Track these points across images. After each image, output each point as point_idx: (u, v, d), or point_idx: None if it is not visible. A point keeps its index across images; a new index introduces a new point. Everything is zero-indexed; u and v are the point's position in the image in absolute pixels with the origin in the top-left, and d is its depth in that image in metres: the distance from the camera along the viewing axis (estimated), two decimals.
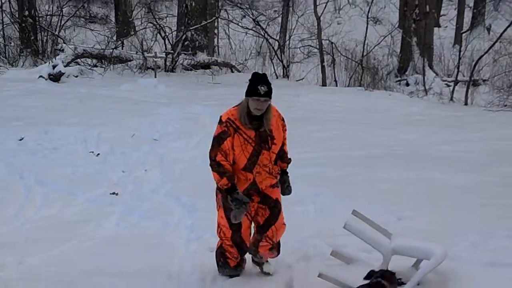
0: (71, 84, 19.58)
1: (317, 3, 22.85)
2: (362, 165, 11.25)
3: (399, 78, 23.48)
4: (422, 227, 7.84)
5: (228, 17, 27.27)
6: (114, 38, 25.56)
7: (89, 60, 22.80)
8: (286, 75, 23.32)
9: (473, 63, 21.17)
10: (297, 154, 11.63)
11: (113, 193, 9.77)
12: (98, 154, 11.92)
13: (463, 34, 24.80)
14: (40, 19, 24.87)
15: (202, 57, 24.04)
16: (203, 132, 13.16)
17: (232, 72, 23.98)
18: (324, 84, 21.87)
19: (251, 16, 25.91)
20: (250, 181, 6.35)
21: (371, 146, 12.83)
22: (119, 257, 7.34)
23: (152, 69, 21.86)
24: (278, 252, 6.78)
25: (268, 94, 6.14)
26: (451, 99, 20.11)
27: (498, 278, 6.24)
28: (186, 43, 23.78)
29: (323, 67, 22.07)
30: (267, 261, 6.81)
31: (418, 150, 12.59)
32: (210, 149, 6.28)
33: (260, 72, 6.45)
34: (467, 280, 6.23)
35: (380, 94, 19.90)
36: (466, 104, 19.58)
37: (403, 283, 6.26)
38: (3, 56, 23.68)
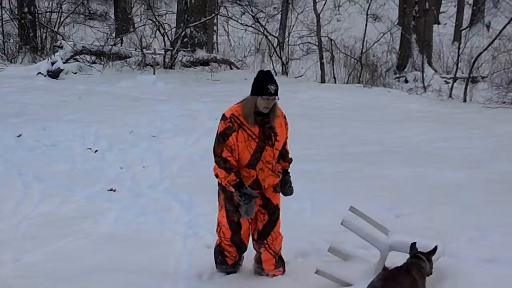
0: (69, 80, 19.58)
1: (317, 0, 22.82)
2: (360, 162, 11.25)
3: (398, 75, 23.49)
4: (419, 224, 7.84)
5: (228, 14, 27.27)
6: (113, 35, 25.53)
7: (88, 57, 22.76)
8: (285, 72, 23.30)
9: (472, 60, 21.15)
10: (295, 151, 11.65)
11: (111, 190, 9.77)
12: (96, 150, 11.91)
13: (463, 31, 24.81)
14: (39, 15, 24.87)
15: (201, 54, 24.01)
16: (202, 129, 13.16)
17: (231, 69, 23.95)
18: (323, 81, 21.87)
19: (250, 13, 25.84)
20: (253, 178, 6.36)
21: (369, 142, 12.83)
22: (116, 253, 7.35)
23: (151, 66, 21.85)
24: (284, 269, 6.77)
25: (277, 92, 6.19)
26: (450, 96, 20.11)
27: (495, 275, 6.24)
28: (185, 40, 23.76)
29: (322, 64, 22.07)
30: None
31: (417, 147, 12.58)
32: (215, 146, 6.29)
33: (265, 70, 6.47)
34: (465, 276, 6.23)
35: (379, 91, 19.88)
36: (465, 101, 19.58)
37: None
38: (2, 53, 23.66)
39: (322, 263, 6.65)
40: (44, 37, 24.42)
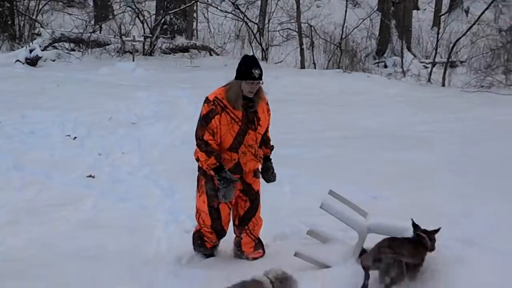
0: (48, 68, 19.45)
1: None
2: (339, 147, 11.30)
3: (377, 60, 23.51)
4: (397, 207, 7.90)
5: (207, 1, 27.09)
6: (92, 22, 25.29)
7: (66, 44, 22.57)
8: (265, 58, 23.25)
9: (451, 45, 21.23)
10: (275, 136, 11.66)
11: (90, 176, 9.74)
12: (75, 137, 11.87)
13: (442, 17, 24.87)
14: (18, 3, 24.64)
15: (180, 40, 23.91)
16: (182, 115, 13.16)
17: (211, 55, 23.86)
18: (302, 66, 21.86)
19: None
20: (235, 161, 6.38)
21: (349, 127, 12.88)
22: (96, 239, 7.35)
23: (130, 53, 21.76)
24: (263, 251, 6.82)
25: (261, 76, 6.24)
26: (429, 80, 20.18)
27: (474, 257, 6.28)
28: (164, 26, 23.63)
29: (302, 50, 22.05)
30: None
31: (396, 131, 12.65)
32: (197, 128, 6.32)
33: (250, 55, 6.48)
34: (443, 258, 6.28)
35: (358, 76, 19.91)
36: (443, 85, 19.66)
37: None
38: None
39: (301, 246, 6.69)
40: (22, 25, 24.23)
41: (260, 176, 6.70)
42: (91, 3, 28.24)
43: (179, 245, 6.94)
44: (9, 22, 23.75)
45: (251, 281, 5.26)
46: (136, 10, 24.12)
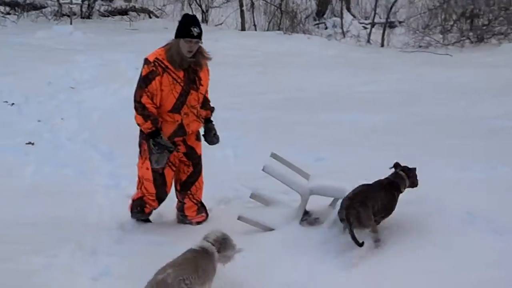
0: None
1: None
2: (281, 109, 11.33)
3: (317, 22, 23.59)
4: (339, 168, 7.96)
5: None
6: None
7: (1, 8, 22.09)
8: (205, 20, 23.09)
9: (390, 5, 21.42)
10: (216, 99, 11.63)
11: (29, 143, 9.58)
12: (13, 103, 11.63)
13: None
14: None
15: (119, 3, 23.63)
16: (121, 79, 13.01)
17: (150, 18, 23.60)
18: (243, 28, 21.79)
19: None
20: (178, 122, 6.32)
21: (290, 89, 12.92)
22: (37, 206, 7.24)
23: (68, 16, 21.37)
24: (207, 214, 6.81)
25: (200, 35, 6.15)
26: (368, 41, 20.36)
27: (410, 213, 6.38)
28: None
29: (242, 12, 21.95)
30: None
31: (336, 92, 12.73)
32: (136, 91, 6.21)
33: (190, 14, 6.39)
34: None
35: (299, 37, 19.94)
36: (382, 46, 19.86)
37: (321, 222, 6.40)
38: None
39: (245, 209, 6.72)
40: None
41: (202, 139, 6.66)
42: None
43: (121, 211, 6.87)
44: None
45: (197, 249, 5.25)
46: None
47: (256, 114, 10.96)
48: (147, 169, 6.42)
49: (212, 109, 6.70)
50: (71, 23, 20.50)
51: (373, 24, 21.32)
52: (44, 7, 22.34)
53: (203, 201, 6.78)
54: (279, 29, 21.72)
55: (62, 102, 11.79)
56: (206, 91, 6.61)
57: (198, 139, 6.61)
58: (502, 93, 12.02)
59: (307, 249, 5.85)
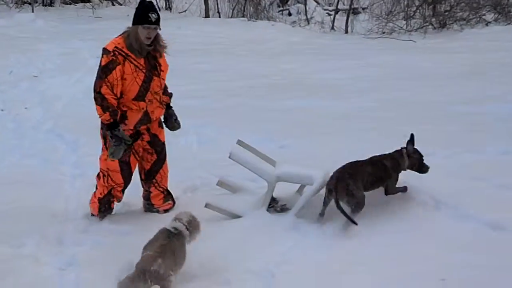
0: None
1: None
2: (245, 96, 11.33)
3: (281, 8, 23.60)
4: (304, 154, 8.00)
5: None
6: None
7: None
8: (168, 7, 22.99)
9: None
10: (180, 87, 11.60)
11: None
12: None
13: None
14: None
15: None
16: (85, 67, 12.91)
17: (113, 5, 23.42)
18: (207, 15, 21.72)
19: None
20: (143, 110, 6.28)
21: (254, 76, 12.92)
22: (2, 196, 7.20)
23: (29, 3, 21.15)
24: (173, 202, 6.79)
25: (159, 21, 6.11)
26: (332, 28, 20.41)
27: (372, 198, 6.44)
28: None
29: None
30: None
31: (300, 79, 12.76)
32: (95, 81, 6.13)
33: (147, 0, 6.33)
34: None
35: (263, 24, 19.96)
36: (346, 32, 19.92)
37: (287, 209, 6.44)
38: None
39: (212, 197, 6.71)
40: None
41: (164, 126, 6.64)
42: None
43: (87, 200, 6.83)
44: None
45: (172, 230, 5.29)
46: None
47: (220, 102, 10.95)
48: (113, 161, 6.37)
49: (170, 95, 6.66)
50: (32, 11, 20.32)
51: (336, 11, 21.40)
52: None
53: (169, 189, 6.78)
54: (243, 16, 21.70)
55: (26, 91, 11.69)
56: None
57: (160, 126, 6.59)
58: (465, 78, 12.16)
59: (274, 236, 5.89)
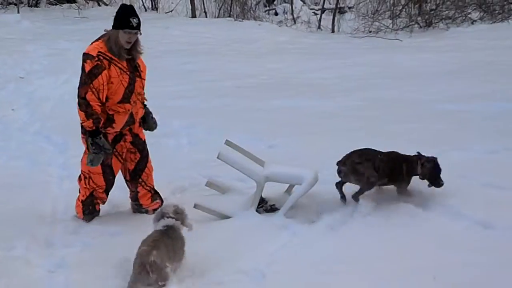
0: None
1: None
2: (233, 96, 11.34)
3: (268, 8, 23.61)
4: (293, 154, 8.02)
5: None
6: None
7: None
8: (155, 8, 22.97)
9: None
10: (167, 87, 11.66)
11: None
12: None
13: None
14: None
15: None
16: (72, 68, 12.85)
17: (99, 5, 23.40)
18: (193, 15, 21.71)
19: None
20: (129, 111, 6.27)
21: (241, 76, 12.93)
22: None
23: (15, 4, 21.08)
24: (162, 200, 6.77)
25: (139, 26, 6.09)
26: (319, 27, 20.45)
27: (362, 197, 6.48)
28: None
29: None
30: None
31: (287, 78, 12.78)
32: (80, 87, 6.07)
33: (128, 4, 6.32)
34: (336, 200, 6.46)
35: (249, 24, 19.98)
36: (333, 31, 19.96)
37: (277, 209, 6.45)
38: None
39: (201, 198, 6.71)
40: None
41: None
42: None
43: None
44: None
45: (167, 227, 5.35)
46: None
47: (208, 102, 10.94)
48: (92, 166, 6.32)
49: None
50: (18, 12, 20.24)
51: (323, 10, 21.45)
52: None
53: (156, 188, 6.77)
54: (229, 16, 21.71)
55: (12, 93, 11.65)
56: None
57: (140, 125, 6.58)
58: (451, 77, 12.21)
59: (264, 236, 5.90)
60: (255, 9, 23.09)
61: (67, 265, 5.62)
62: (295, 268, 5.34)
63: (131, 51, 6.19)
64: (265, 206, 6.51)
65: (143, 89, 6.41)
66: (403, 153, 6.45)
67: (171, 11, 22.68)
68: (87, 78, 6.01)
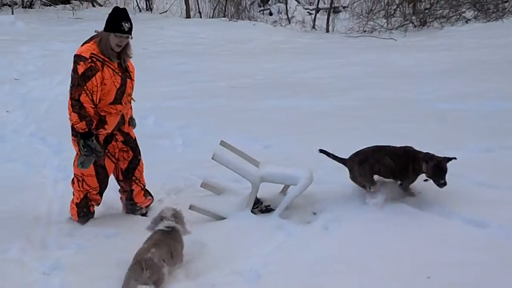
0: None
1: None
2: (227, 96, 11.33)
3: (262, 8, 23.61)
4: (288, 154, 8.02)
5: None
6: None
7: None
8: (149, 8, 22.94)
9: None
10: (162, 88, 11.65)
11: None
12: None
13: None
14: None
15: None
16: (66, 69, 12.59)
17: (94, 6, 23.35)
18: (188, 16, 21.69)
19: None
20: (120, 113, 6.29)
21: (236, 76, 12.92)
22: None
23: (9, 5, 21.03)
24: (152, 197, 6.79)
25: (131, 31, 6.08)
26: (313, 27, 20.45)
27: (357, 197, 6.49)
28: None
29: None
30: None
31: (282, 78, 12.78)
32: (72, 88, 6.06)
33: (121, 7, 6.32)
34: (331, 200, 6.46)
35: (244, 24, 19.97)
36: (327, 31, 19.96)
37: (272, 209, 6.45)
38: None
39: (196, 199, 6.71)
40: None
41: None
42: None
43: None
44: None
45: (165, 230, 5.38)
46: None
47: (203, 102, 10.93)
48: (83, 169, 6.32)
49: None
50: (12, 13, 20.19)
51: (317, 10, 21.45)
52: None
53: (151, 189, 6.77)
54: (224, 16, 21.69)
55: (7, 94, 11.62)
56: None
57: (129, 124, 6.59)
58: (446, 76, 12.21)
59: (259, 237, 5.90)
60: (249, 9, 23.08)
61: (62, 267, 5.62)
62: (290, 268, 5.34)
63: (120, 54, 6.20)
64: (260, 207, 6.51)
65: (132, 90, 6.43)
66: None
67: (166, 11, 22.66)
68: (81, 80, 6.00)
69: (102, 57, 6.07)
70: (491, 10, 19.88)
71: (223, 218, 6.39)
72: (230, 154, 6.67)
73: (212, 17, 21.98)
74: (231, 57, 15.03)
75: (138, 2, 22.93)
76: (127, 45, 6.20)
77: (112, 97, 6.19)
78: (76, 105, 6.02)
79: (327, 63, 14.10)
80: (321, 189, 6.63)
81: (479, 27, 18.09)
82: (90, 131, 6.07)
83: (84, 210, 6.55)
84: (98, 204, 6.65)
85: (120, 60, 6.20)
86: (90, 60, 6.01)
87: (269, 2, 23.76)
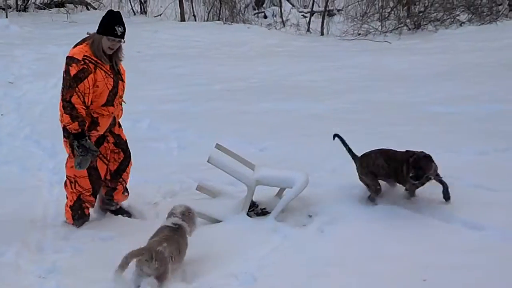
0: None
1: None
2: (222, 99, 11.33)
3: (257, 11, 23.65)
4: (283, 157, 8.03)
5: None
6: None
7: None
8: (144, 11, 22.93)
9: None
10: (157, 91, 11.66)
11: None
12: None
13: None
14: None
15: None
16: (60, 72, 12.55)
17: (88, 9, 23.32)
18: (182, 19, 21.67)
19: None
20: (112, 114, 6.32)
21: (231, 79, 12.92)
22: None
23: (3, 8, 20.97)
24: (128, 192, 6.79)
25: (124, 35, 6.11)
26: (308, 30, 20.47)
27: (353, 199, 6.50)
28: None
29: (181, 2, 21.81)
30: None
31: (277, 81, 12.78)
32: (64, 89, 6.08)
33: (115, 10, 6.33)
34: (326, 203, 6.48)
35: (239, 27, 19.97)
36: (322, 34, 19.98)
37: (267, 212, 6.45)
38: None
39: (191, 202, 6.67)
40: None
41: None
42: None
43: None
44: None
45: (173, 226, 5.44)
46: None
47: (198, 106, 10.92)
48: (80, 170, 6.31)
49: None
50: (6, 16, 20.14)
51: (312, 13, 21.46)
52: None
53: (147, 193, 6.80)
54: (218, 19, 21.70)
55: (1, 98, 11.60)
56: None
57: (119, 126, 6.61)
58: (440, 79, 12.22)
59: (255, 240, 5.91)
60: (244, 12, 23.09)
61: (58, 271, 5.61)
62: (286, 271, 5.35)
63: (112, 57, 6.21)
64: (256, 210, 6.52)
65: (123, 92, 6.45)
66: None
67: (160, 15, 22.64)
68: (73, 82, 6.01)
69: (95, 59, 6.08)
70: (485, 13, 19.92)
71: (219, 221, 6.40)
72: (225, 157, 6.69)
73: (207, 20, 21.97)
74: (225, 60, 15.03)
75: (133, 5, 22.92)
76: (119, 48, 6.23)
77: (104, 99, 6.20)
78: (67, 106, 6.03)
79: (322, 66, 14.11)
80: (316, 192, 6.64)
81: (473, 30, 18.13)
82: (84, 132, 6.08)
83: (78, 213, 6.54)
84: (92, 206, 6.65)
85: (111, 62, 6.21)
86: (82, 62, 6.03)
87: (264, 5, 23.80)
